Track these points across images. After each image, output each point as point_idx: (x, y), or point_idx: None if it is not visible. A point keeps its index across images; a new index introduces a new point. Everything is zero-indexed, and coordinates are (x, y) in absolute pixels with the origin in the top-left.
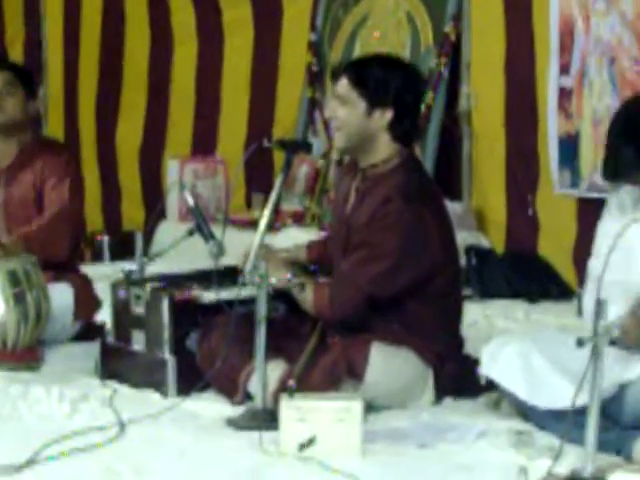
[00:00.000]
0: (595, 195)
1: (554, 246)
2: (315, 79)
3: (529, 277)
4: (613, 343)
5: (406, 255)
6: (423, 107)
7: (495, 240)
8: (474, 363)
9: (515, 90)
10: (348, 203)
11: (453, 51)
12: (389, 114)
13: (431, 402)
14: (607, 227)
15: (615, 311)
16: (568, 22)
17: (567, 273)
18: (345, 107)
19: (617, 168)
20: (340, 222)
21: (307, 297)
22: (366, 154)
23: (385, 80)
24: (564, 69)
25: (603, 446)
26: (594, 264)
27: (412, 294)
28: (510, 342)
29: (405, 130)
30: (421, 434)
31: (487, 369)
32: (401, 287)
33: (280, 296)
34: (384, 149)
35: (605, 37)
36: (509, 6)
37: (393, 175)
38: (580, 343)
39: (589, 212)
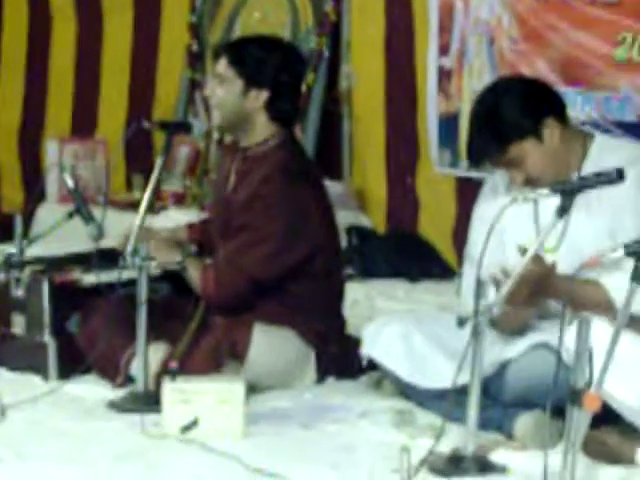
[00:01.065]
0: (474, 175)
1: (434, 225)
2: (195, 60)
3: (410, 256)
4: (493, 324)
5: (289, 236)
6: (303, 87)
7: (376, 220)
8: (356, 343)
9: (395, 70)
10: (228, 183)
11: (333, 31)
12: (265, 94)
13: (313, 382)
14: (481, 210)
15: (493, 293)
16: (447, 2)
17: (447, 252)
18: (222, 86)
19: (477, 151)
20: (220, 203)
21: (193, 279)
22: (244, 133)
23: (262, 60)
24: (443, 49)
25: (484, 424)
26: (471, 247)
27: (294, 275)
28: (391, 322)
29: (283, 110)
30: (303, 414)
31: (368, 349)
32: (286, 268)
33: (163, 277)
34: (262, 129)
35: (484, 17)
36: None
37: (272, 155)
38: (461, 323)
39: (468, 192)
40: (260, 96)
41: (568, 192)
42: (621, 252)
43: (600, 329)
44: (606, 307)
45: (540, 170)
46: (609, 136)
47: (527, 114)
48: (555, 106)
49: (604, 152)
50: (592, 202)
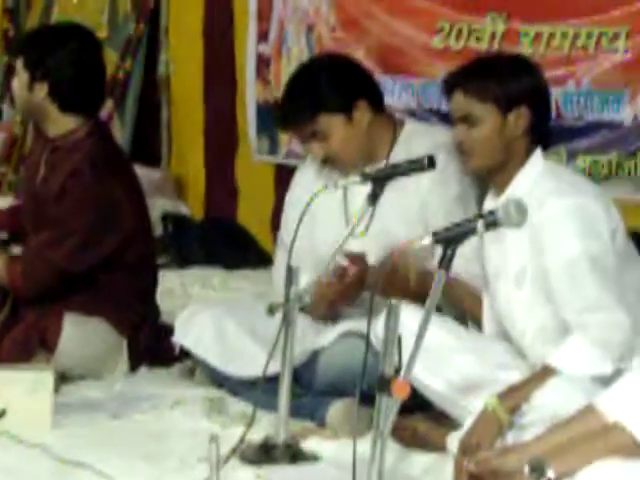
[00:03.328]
0: (293, 162)
1: (253, 213)
2: (11, 45)
3: (227, 244)
4: (304, 310)
5: (97, 229)
6: (121, 74)
7: (194, 207)
8: (169, 332)
9: (214, 57)
10: (38, 174)
11: (152, 17)
12: (47, 86)
13: (125, 372)
14: (295, 196)
15: (305, 279)
16: None
17: (265, 240)
18: (16, 78)
19: (287, 116)
20: (30, 193)
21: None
22: (44, 125)
23: (44, 52)
24: (262, 36)
25: (296, 412)
26: (283, 233)
27: (105, 266)
28: (203, 310)
29: (72, 101)
30: (114, 404)
31: (180, 337)
32: (95, 261)
33: None
34: (60, 120)
35: (303, 5)
36: None
37: (80, 146)
38: (270, 310)
39: (287, 179)
40: (43, 88)
41: (379, 179)
42: (429, 240)
43: (409, 315)
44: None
45: (342, 149)
46: (421, 123)
47: (342, 91)
48: (370, 91)
49: (413, 138)
50: (402, 186)
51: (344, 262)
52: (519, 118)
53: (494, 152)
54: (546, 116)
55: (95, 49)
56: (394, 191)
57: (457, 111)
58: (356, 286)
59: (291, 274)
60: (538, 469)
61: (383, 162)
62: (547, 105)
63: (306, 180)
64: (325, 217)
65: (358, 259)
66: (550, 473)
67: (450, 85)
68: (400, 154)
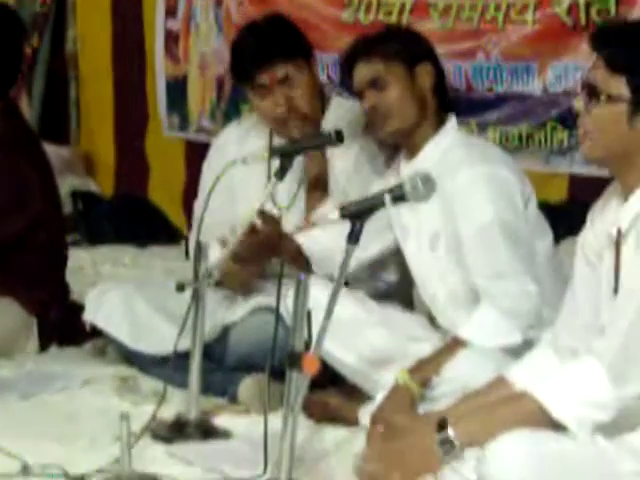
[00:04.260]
0: (204, 138)
1: (164, 190)
2: None
3: (138, 221)
4: (219, 284)
5: (6, 209)
6: (29, 50)
7: (104, 184)
8: (80, 310)
9: (122, 33)
10: None
11: None
12: None
13: (36, 351)
14: (211, 169)
15: (217, 254)
16: None
17: (176, 217)
18: None
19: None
20: None
21: None
22: None
23: None
24: (171, 12)
25: (209, 388)
26: (198, 205)
27: (14, 245)
28: (113, 288)
29: None
30: (25, 384)
31: (91, 315)
32: (4, 239)
33: None
34: None
35: None
36: None
37: None
38: (180, 287)
39: (198, 155)
40: None
41: (286, 154)
42: (336, 215)
43: (320, 289)
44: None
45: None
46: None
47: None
48: None
49: (339, 109)
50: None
51: (257, 220)
52: (425, 73)
53: (409, 111)
54: (443, 77)
55: (16, 29)
56: None
57: (363, 79)
58: (267, 247)
59: (200, 250)
60: (443, 428)
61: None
62: (442, 70)
63: (222, 151)
64: (247, 190)
65: (270, 219)
66: (450, 431)
67: (351, 58)
68: (329, 124)
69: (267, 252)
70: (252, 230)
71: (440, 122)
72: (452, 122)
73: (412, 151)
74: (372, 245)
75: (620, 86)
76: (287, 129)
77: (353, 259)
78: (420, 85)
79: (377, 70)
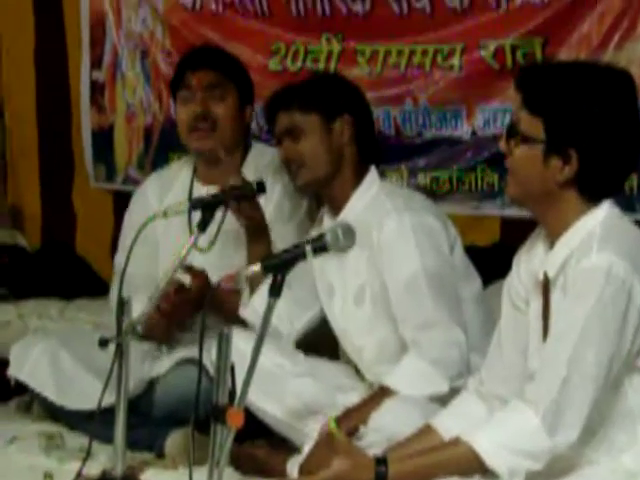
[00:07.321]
0: (131, 188)
1: (91, 241)
2: None
3: (64, 274)
4: (145, 337)
5: None
6: None
7: (31, 237)
8: (4, 365)
9: (47, 84)
10: None
11: None
12: None
13: None
14: (132, 220)
15: (140, 307)
16: (99, 15)
17: (104, 268)
18: None
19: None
20: None
21: None
22: None
23: None
24: (96, 62)
25: (135, 443)
26: (119, 258)
27: None
28: (38, 342)
29: None
30: None
31: (15, 370)
32: None
33: None
34: None
35: (137, 30)
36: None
37: None
38: (103, 343)
39: (125, 205)
40: None
41: (207, 206)
42: (258, 267)
43: (244, 340)
44: None
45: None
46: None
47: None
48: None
49: (259, 159)
50: None
51: (184, 277)
52: (344, 125)
53: (323, 163)
54: (369, 129)
55: None
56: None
57: (281, 128)
58: (195, 302)
59: (122, 305)
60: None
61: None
62: (369, 118)
63: (143, 203)
64: (169, 241)
65: (198, 274)
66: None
67: (272, 108)
68: (248, 173)
69: (196, 307)
70: (181, 287)
71: (360, 173)
72: (372, 174)
73: (334, 205)
74: (316, 303)
75: (537, 127)
76: (194, 138)
77: (305, 320)
78: (337, 137)
79: (294, 120)
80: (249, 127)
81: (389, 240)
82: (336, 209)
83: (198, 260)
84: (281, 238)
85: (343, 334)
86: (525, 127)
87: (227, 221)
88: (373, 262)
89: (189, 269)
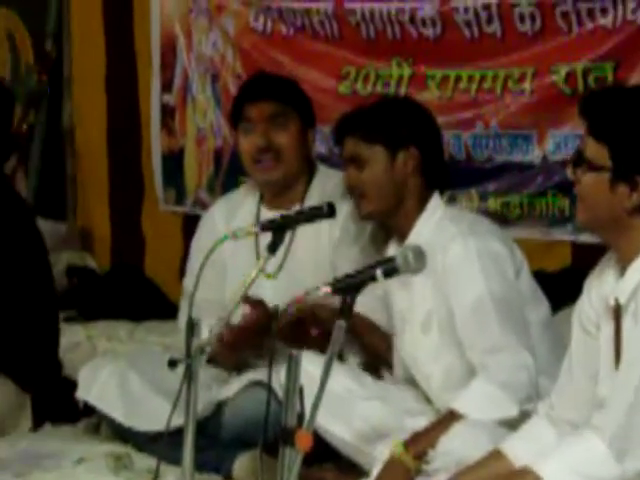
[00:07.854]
0: (200, 211)
1: (160, 264)
2: None
3: (134, 296)
4: (211, 361)
5: None
6: (25, 127)
7: (101, 259)
8: (73, 387)
9: (118, 107)
10: None
11: (55, 68)
12: None
13: (30, 429)
14: (201, 243)
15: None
16: (170, 38)
17: (173, 291)
18: None
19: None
20: None
21: None
22: None
23: None
24: (166, 86)
25: (203, 465)
26: (188, 281)
27: (6, 322)
28: (106, 364)
29: None
30: (19, 463)
31: (84, 392)
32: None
33: None
34: None
35: (208, 53)
36: (109, 22)
37: None
38: (172, 364)
39: (194, 229)
40: None
41: (278, 228)
42: (328, 289)
43: (313, 363)
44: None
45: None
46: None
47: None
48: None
49: (326, 182)
50: (315, 232)
51: (243, 307)
52: (408, 158)
53: (385, 194)
54: (437, 157)
55: (7, 103)
56: (307, 238)
57: (347, 155)
58: (257, 332)
59: (192, 326)
60: None
61: (297, 204)
62: (437, 145)
63: (211, 227)
64: (237, 264)
65: (257, 304)
66: None
67: (340, 132)
68: (314, 198)
69: (258, 337)
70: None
71: (424, 200)
72: (436, 199)
73: (399, 232)
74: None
75: (603, 154)
76: (258, 170)
77: None
78: (401, 170)
79: (359, 148)
80: (312, 149)
81: (454, 264)
82: (401, 236)
83: (265, 286)
84: (347, 260)
85: (413, 363)
86: (591, 154)
87: (294, 245)
88: (439, 287)
89: (246, 299)
